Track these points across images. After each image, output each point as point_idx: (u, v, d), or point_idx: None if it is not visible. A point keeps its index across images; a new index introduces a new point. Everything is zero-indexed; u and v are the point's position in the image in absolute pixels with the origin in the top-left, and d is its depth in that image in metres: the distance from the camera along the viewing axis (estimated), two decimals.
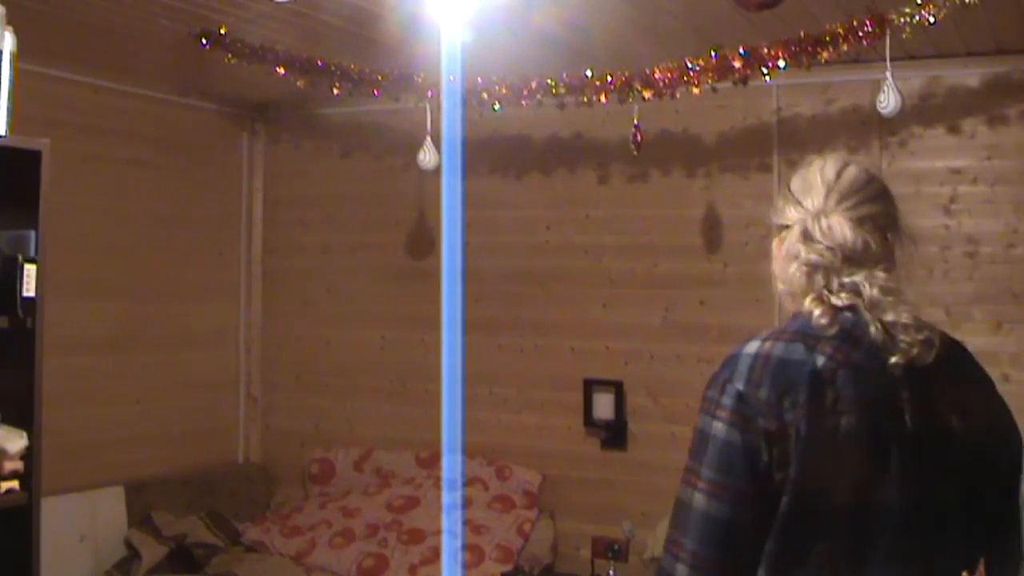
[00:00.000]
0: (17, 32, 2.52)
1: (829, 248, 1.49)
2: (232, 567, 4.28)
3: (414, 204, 5.00)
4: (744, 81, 3.59)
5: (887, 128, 4.08)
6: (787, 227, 1.56)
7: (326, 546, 4.44)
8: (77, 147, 4.30)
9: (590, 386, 4.59)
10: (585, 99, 3.90)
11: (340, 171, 5.23)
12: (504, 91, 4.01)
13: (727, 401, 1.44)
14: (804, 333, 1.46)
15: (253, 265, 5.35)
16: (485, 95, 4.04)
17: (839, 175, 1.56)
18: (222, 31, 3.67)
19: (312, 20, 3.51)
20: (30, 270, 2.50)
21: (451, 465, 4.67)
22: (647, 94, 3.74)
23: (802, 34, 3.36)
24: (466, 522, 4.45)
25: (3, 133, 2.48)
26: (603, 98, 3.86)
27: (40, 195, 2.53)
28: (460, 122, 4.26)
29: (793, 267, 1.51)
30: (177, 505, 4.60)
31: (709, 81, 3.61)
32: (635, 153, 3.88)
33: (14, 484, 2.47)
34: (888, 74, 3.35)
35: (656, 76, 3.70)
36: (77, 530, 4.24)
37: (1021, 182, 3.94)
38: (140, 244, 4.72)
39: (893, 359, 1.43)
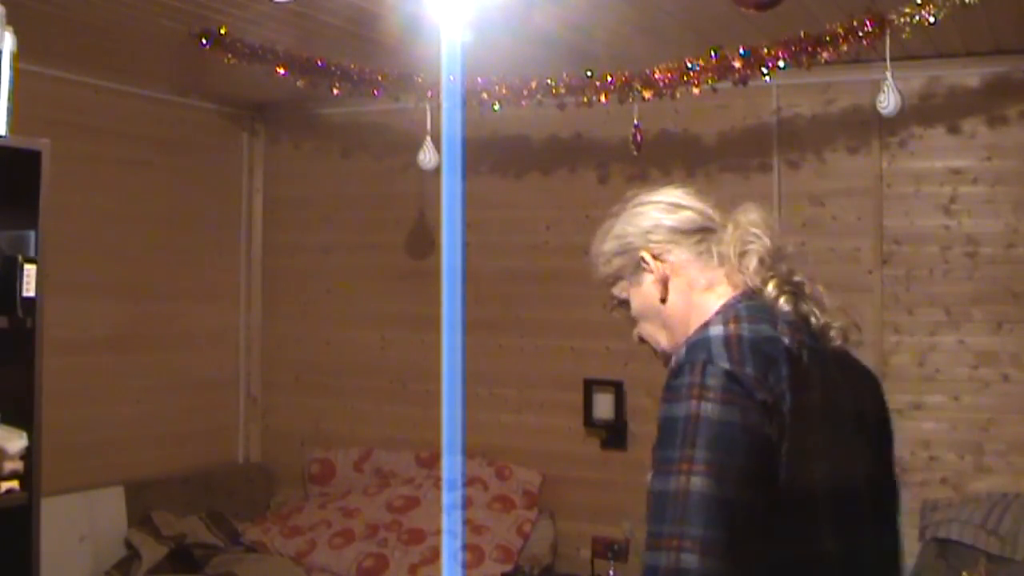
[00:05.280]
0: (17, 32, 2.52)
1: (765, 246, 1.57)
2: (232, 567, 4.28)
3: (414, 204, 5.00)
4: (744, 81, 3.59)
5: (887, 128, 4.08)
6: (702, 232, 1.61)
7: (326, 546, 4.44)
8: (77, 147, 4.29)
9: (590, 386, 4.59)
10: (585, 99, 3.90)
11: (340, 171, 5.23)
12: (504, 91, 4.01)
13: (714, 382, 1.41)
14: (762, 316, 1.50)
15: (253, 265, 5.35)
16: (485, 95, 4.04)
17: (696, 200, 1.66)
18: (222, 31, 3.67)
19: (312, 20, 3.51)
20: (30, 270, 2.50)
21: (451, 465, 4.67)
22: (647, 94, 3.74)
23: (802, 34, 3.36)
24: (466, 522, 4.45)
25: (3, 133, 2.47)
26: (603, 98, 3.86)
27: (40, 195, 2.52)
28: (460, 122, 4.26)
29: (748, 250, 1.57)
30: (177, 505, 4.60)
31: (709, 81, 3.61)
32: (635, 153, 3.87)
33: (14, 484, 2.46)
34: (888, 74, 3.35)
35: (656, 76, 3.70)
36: (77, 530, 4.24)
37: (1021, 182, 3.94)
38: (140, 244, 4.72)
39: (832, 344, 1.52)
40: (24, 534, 2.47)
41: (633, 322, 1.73)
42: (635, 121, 3.83)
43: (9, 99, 2.49)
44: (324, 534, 4.52)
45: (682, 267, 1.62)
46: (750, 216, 1.60)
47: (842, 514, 1.47)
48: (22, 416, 2.50)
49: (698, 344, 1.46)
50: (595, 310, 4.67)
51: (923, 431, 4.05)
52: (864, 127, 4.15)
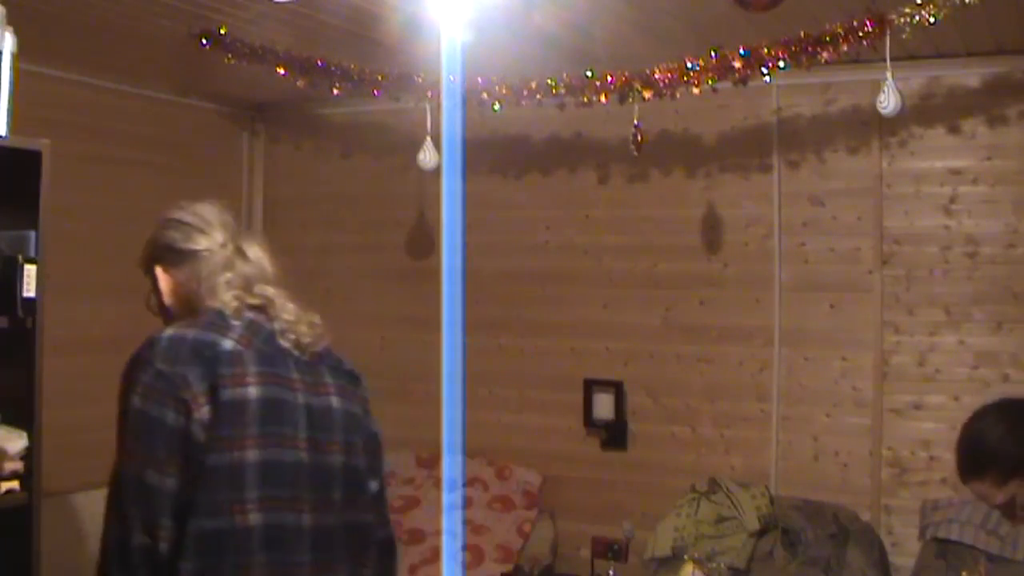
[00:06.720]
0: (17, 32, 2.52)
1: (254, 267, 1.95)
2: None
3: (414, 204, 5.00)
4: (744, 81, 3.59)
5: (887, 128, 4.08)
6: (201, 251, 1.94)
7: None
8: (77, 147, 4.29)
9: (590, 386, 4.59)
10: (585, 99, 3.90)
11: (340, 171, 5.23)
12: (504, 91, 4.00)
13: (147, 379, 1.73)
14: (214, 323, 1.83)
15: None
16: (485, 95, 4.03)
17: (226, 216, 2.01)
18: (222, 31, 3.67)
19: (312, 20, 3.51)
20: (30, 270, 2.51)
21: (451, 465, 4.67)
22: (647, 94, 3.74)
23: (802, 34, 3.36)
24: (466, 522, 4.45)
25: (3, 133, 2.48)
26: (603, 98, 3.85)
27: (40, 195, 2.53)
28: (460, 122, 4.26)
29: (220, 279, 1.90)
30: None
31: (709, 81, 3.61)
32: (635, 153, 3.87)
33: (14, 484, 2.47)
34: (888, 74, 3.34)
35: (656, 76, 3.70)
36: (77, 530, 4.24)
37: (1021, 182, 3.94)
38: (140, 244, 4.70)
39: (284, 345, 1.88)
40: (24, 534, 2.47)
41: None
42: (635, 121, 3.82)
43: (9, 99, 2.49)
44: None
45: (182, 282, 1.96)
46: (239, 244, 1.97)
47: (271, 491, 1.73)
48: (22, 416, 2.50)
49: (148, 344, 1.80)
50: (595, 310, 4.70)
51: (923, 431, 4.05)
52: (864, 127, 4.15)
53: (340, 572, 1.84)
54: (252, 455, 1.73)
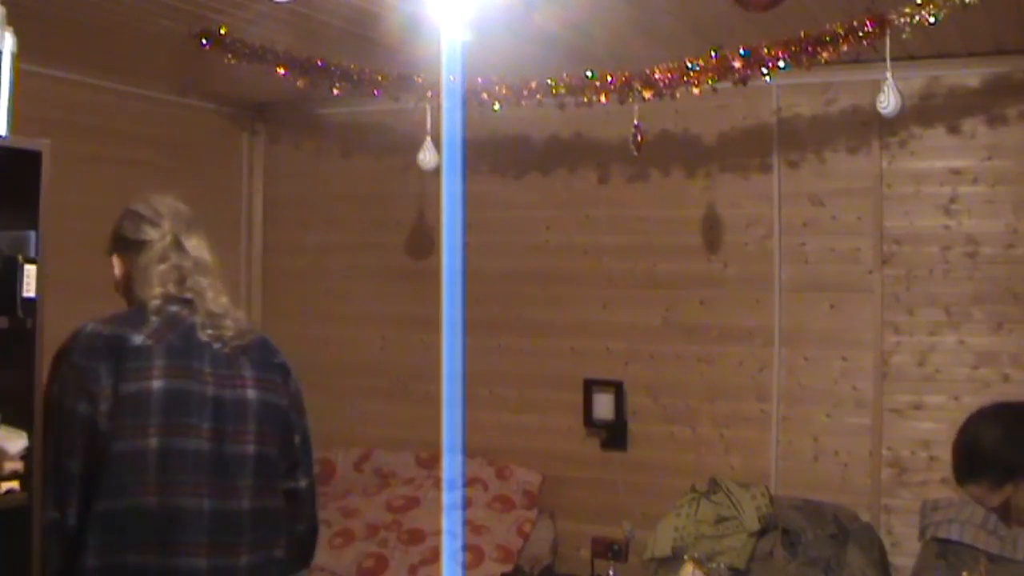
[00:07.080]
0: (17, 32, 2.52)
1: (190, 259, 2.06)
2: None
3: (414, 204, 5.00)
4: (744, 81, 3.59)
5: (887, 128, 4.08)
6: (146, 241, 2.06)
7: (326, 546, 4.44)
8: (77, 147, 4.29)
9: (590, 386, 4.59)
10: (585, 99, 3.90)
11: (340, 171, 5.23)
12: (504, 91, 4.00)
13: (64, 370, 1.91)
14: (130, 318, 1.98)
15: (253, 265, 5.34)
16: (485, 95, 4.03)
17: (180, 207, 2.14)
18: (222, 31, 3.67)
19: (312, 20, 3.51)
20: (30, 270, 2.50)
21: (451, 465, 4.67)
22: (647, 94, 3.74)
23: (802, 34, 3.36)
24: (466, 522, 4.45)
25: (3, 133, 2.47)
26: (603, 98, 3.85)
27: (40, 195, 2.52)
28: (460, 122, 4.26)
29: (154, 270, 2.02)
30: None
31: (709, 81, 3.61)
32: (635, 153, 3.87)
33: (14, 484, 2.46)
34: (888, 74, 3.34)
35: (656, 76, 3.70)
36: None
37: (1021, 182, 3.94)
38: None
39: (203, 339, 1.99)
40: (24, 534, 2.47)
41: None
42: (635, 121, 3.82)
43: (9, 99, 2.48)
44: (324, 534, 4.51)
45: (128, 269, 2.09)
46: (178, 235, 2.08)
47: (171, 476, 1.88)
48: (22, 416, 2.49)
49: (72, 336, 1.95)
50: (595, 310, 4.70)
51: (923, 431, 4.05)
52: (864, 127, 4.15)
53: (245, 555, 1.96)
54: (154, 443, 1.88)
